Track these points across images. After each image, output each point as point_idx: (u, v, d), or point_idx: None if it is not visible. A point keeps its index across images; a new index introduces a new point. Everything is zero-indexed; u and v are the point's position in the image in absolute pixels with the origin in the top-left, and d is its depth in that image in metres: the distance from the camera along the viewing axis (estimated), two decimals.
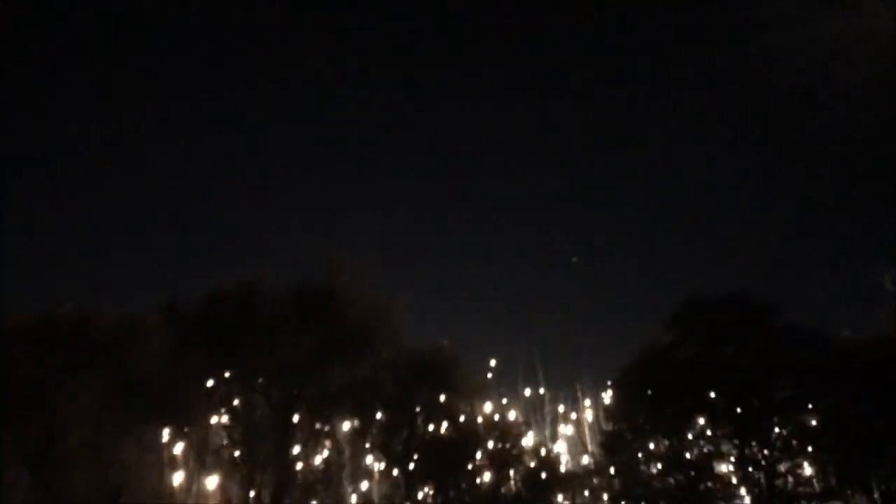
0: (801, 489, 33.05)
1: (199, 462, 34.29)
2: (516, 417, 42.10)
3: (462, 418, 36.66)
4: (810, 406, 33.06)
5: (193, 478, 35.53)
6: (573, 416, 45.70)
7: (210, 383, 33.80)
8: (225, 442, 34.71)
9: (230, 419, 34.61)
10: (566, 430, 45.90)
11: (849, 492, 33.63)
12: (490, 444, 36.75)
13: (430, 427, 36.16)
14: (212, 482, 33.88)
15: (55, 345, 30.99)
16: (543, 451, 39.16)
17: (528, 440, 40.53)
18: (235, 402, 34.64)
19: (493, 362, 41.95)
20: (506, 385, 48.88)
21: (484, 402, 39.80)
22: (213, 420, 34.73)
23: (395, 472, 35.67)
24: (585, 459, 36.27)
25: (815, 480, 33.32)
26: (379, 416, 35.93)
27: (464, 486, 35.67)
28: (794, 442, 33.27)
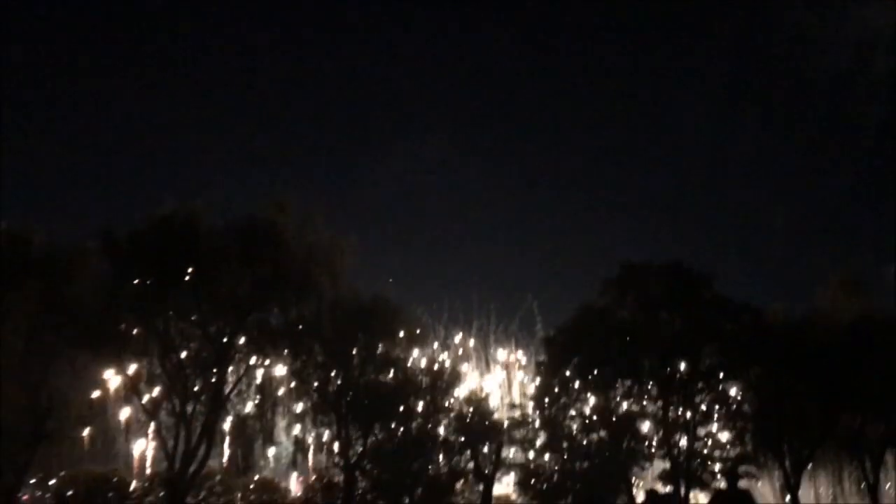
0: (718, 452, 34.34)
1: (132, 391, 34.25)
2: (453, 365, 42.78)
3: (398, 364, 37.03)
4: (734, 375, 34.17)
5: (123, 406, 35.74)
6: (505, 369, 46.91)
7: (147, 312, 33.58)
8: (159, 370, 34.70)
9: (165, 349, 34.50)
10: (499, 381, 47.10)
11: (762, 458, 35.14)
12: (424, 390, 37.25)
13: (366, 372, 36.53)
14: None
15: None
16: (476, 400, 39.81)
17: (464, 388, 41.32)
18: (171, 332, 34.52)
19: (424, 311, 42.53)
20: (447, 333, 49.95)
21: (421, 349, 40.36)
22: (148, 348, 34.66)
23: (328, 412, 36.10)
24: (515, 412, 36.95)
25: (731, 445, 34.63)
26: (316, 356, 36.18)
27: (395, 430, 36.28)
28: (716, 408, 34.47)
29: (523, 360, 49.63)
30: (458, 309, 52.04)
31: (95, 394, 34.88)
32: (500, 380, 49.54)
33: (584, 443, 34.63)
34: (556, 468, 34.29)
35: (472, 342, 50.95)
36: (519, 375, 49.04)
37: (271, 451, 38.51)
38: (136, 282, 32.78)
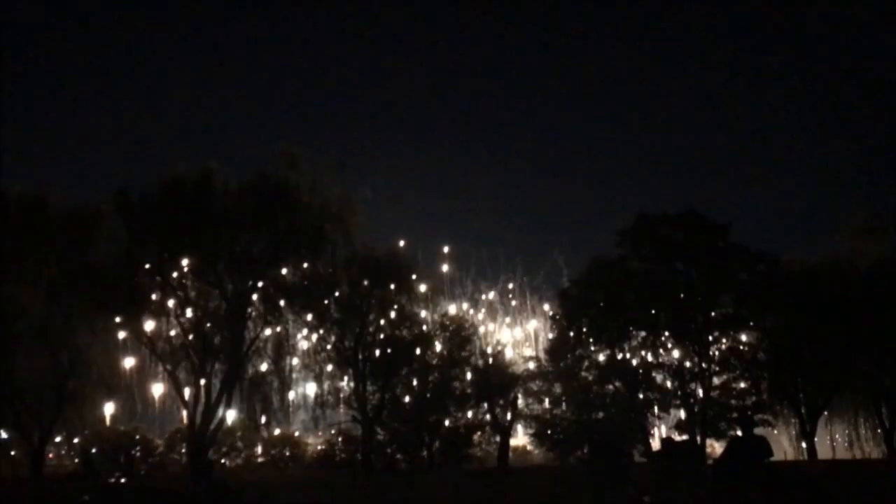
0: (733, 401, 34.36)
1: (151, 348, 34.62)
2: (472, 319, 42.98)
3: (413, 318, 37.20)
4: (749, 324, 34.04)
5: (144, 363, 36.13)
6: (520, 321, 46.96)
7: (163, 272, 33.80)
8: (177, 329, 35.04)
9: (182, 308, 34.80)
10: (519, 334, 47.26)
11: (778, 406, 35.19)
12: (440, 344, 37.46)
13: (382, 326, 36.71)
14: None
15: (4, 226, 30.72)
16: (493, 353, 40.06)
17: (483, 341, 41.50)
18: (189, 290, 34.78)
19: (445, 268, 42.63)
20: (464, 287, 49.99)
21: (439, 302, 40.55)
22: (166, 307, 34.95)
23: (345, 367, 36.40)
24: (531, 364, 37.03)
25: (747, 394, 34.63)
26: (332, 312, 36.35)
27: (413, 382, 36.59)
28: (731, 357, 34.39)
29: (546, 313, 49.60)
30: (486, 263, 52.15)
31: (116, 353, 35.27)
32: (519, 333, 49.75)
33: (600, 393, 34.70)
34: (572, 419, 34.43)
35: (492, 295, 50.96)
36: (538, 327, 49.15)
37: (290, 406, 38.99)
38: (151, 242, 32.89)
